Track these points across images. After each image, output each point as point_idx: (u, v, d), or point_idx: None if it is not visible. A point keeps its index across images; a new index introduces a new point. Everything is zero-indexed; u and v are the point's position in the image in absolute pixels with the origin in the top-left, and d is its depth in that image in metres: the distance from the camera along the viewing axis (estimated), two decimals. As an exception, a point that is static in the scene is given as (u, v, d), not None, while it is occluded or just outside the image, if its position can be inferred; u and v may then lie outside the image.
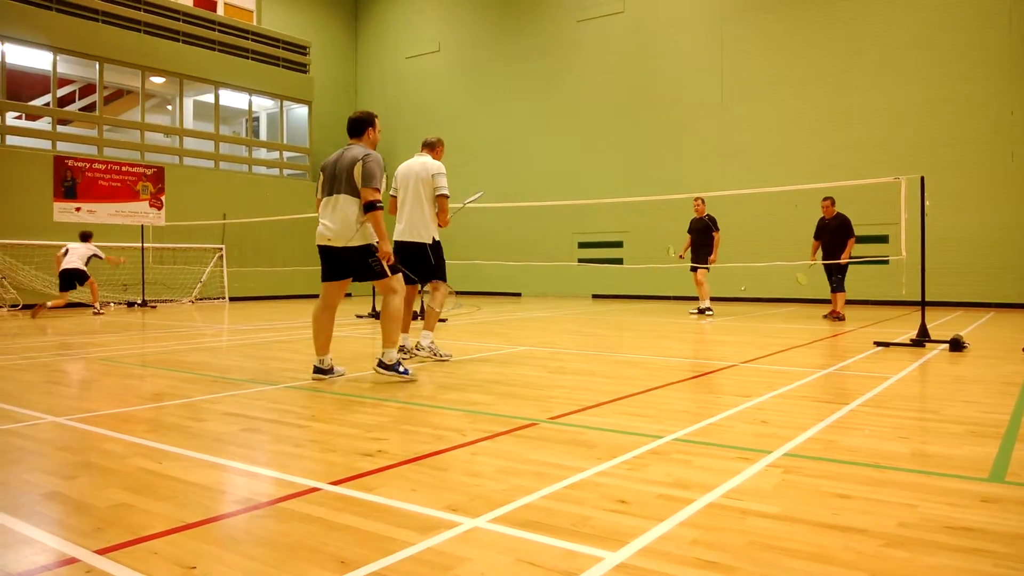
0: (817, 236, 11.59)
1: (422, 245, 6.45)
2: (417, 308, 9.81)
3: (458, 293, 7.53)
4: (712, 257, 12.56)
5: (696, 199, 12.88)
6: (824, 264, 11.31)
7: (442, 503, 2.60)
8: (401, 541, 2.24)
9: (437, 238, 6.55)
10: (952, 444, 3.45)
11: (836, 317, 11.08)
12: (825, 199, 11.47)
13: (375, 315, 12.01)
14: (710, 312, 12.72)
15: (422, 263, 6.47)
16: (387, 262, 5.36)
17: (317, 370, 5.56)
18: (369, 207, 5.20)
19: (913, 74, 15.25)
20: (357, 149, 5.36)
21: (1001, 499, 2.64)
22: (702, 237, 12.63)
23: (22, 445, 3.52)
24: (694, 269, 12.78)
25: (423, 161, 6.50)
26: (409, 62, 23.66)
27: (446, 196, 6.43)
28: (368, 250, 5.29)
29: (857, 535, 2.29)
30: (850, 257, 11.06)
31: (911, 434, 3.67)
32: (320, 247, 5.41)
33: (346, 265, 5.39)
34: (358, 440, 3.57)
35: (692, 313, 12.81)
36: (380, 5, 24.60)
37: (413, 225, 6.42)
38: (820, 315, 12.08)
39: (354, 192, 5.24)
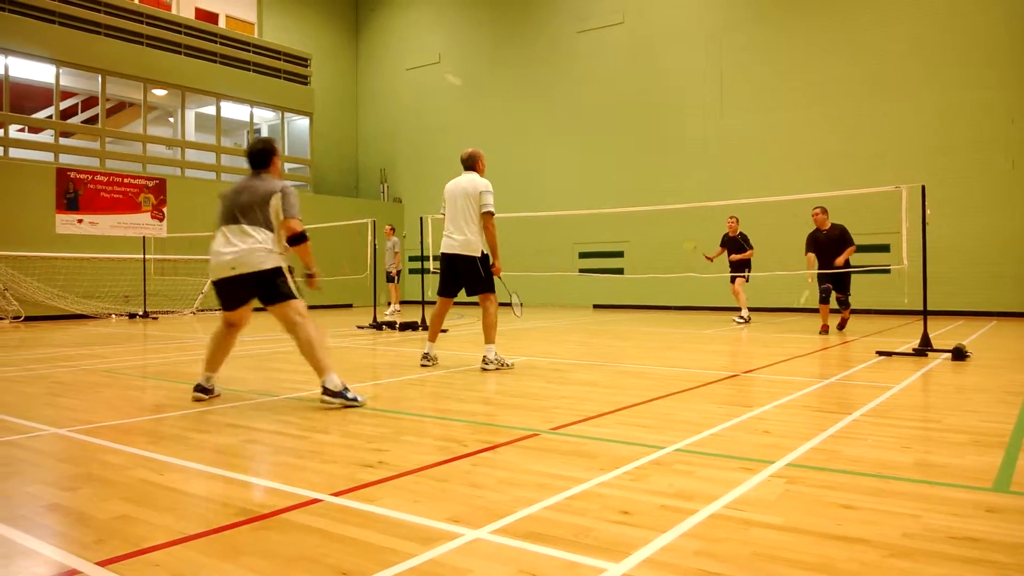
0: (812, 249, 10.93)
1: (472, 259, 6.59)
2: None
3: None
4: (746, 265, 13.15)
5: (730, 217, 13.29)
6: (824, 275, 10.86)
7: (444, 514, 2.59)
8: (403, 552, 2.23)
9: (486, 251, 6.71)
10: (955, 454, 3.44)
11: (840, 325, 11.04)
12: (816, 209, 10.95)
13: (376, 326, 12.01)
14: (741, 320, 13.25)
15: (472, 276, 6.63)
16: (313, 286, 5.12)
17: (201, 389, 5.16)
18: (299, 239, 4.97)
19: (913, 82, 15.30)
20: (272, 181, 5.06)
21: (1005, 509, 2.63)
22: (737, 253, 13.21)
23: (23, 457, 3.52)
24: (733, 279, 13.28)
25: (471, 178, 6.66)
26: (409, 73, 23.75)
27: (492, 214, 6.57)
28: (279, 271, 4.94)
29: (861, 545, 2.28)
30: (849, 266, 10.80)
31: (914, 444, 3.66)
32: (222, 281, 4.99)
33: (253, 290, 5.01)
34: (359, 451, 3.56)
35: (736, 321, 13.17)
36: (381, 17, 24.73)
37: (464, 239, 6.56)
38: (820, 326, 12.00)
39: (267, 223, 4.92)
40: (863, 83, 15.83)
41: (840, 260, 10.63)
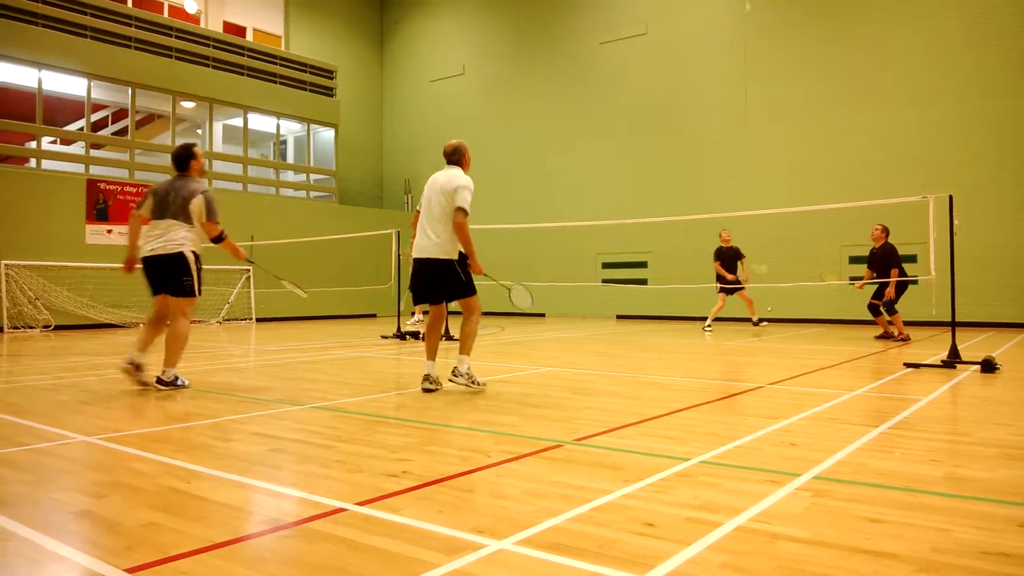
0: (869, 265, 11.59)
1: (448, 262, 5.82)
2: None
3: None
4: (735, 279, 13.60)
5: (723, 230, 13.86)
6: (873, 292, 11.41)
7: (468, 525, 2.59)
8: (428, 563, 2.24)
9: (463, 251, 5.91)
10: (986, 467, 3.39)
11: (901, 338, 11.01)
12: (876, 227, 11.47)
13: (400, 336, 12.06)
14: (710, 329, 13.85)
15: (450, 281, 5.85)
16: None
17: (136, 366, 6.01)
18: (218, 239, 6.26)
19: (939, 92, 15.13)
20: (194, 183, 6.15)
21: (1038, 524, 2.58)
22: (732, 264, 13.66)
23: (54, 464, 3.57)
24: (732, 292, 13.67)
25: (451, 173, 5.90)
26: (434, 85, 23.92)
27: (464, 211, 5.72)
28: (184, 267, 6.02)
29: (889, 560, 2.25)
30: (897, 276, 10.93)
31: (943, 457, 3.61)
32: (146, 259, 6.05)
33: (164, 278, 6.05)
34: (384, 461, 3.58)
35: (707, 330, 13.78)
36: (405, 29, 24.95)
37: (439, 242, 5.79)
38: (850, 335, 11.93)
39: (187, 220, 6.05)
40: (889, 92, 15.68)
41: (888, 292, 10.93)
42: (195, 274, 6.09)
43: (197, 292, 6.14)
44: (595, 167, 20.11)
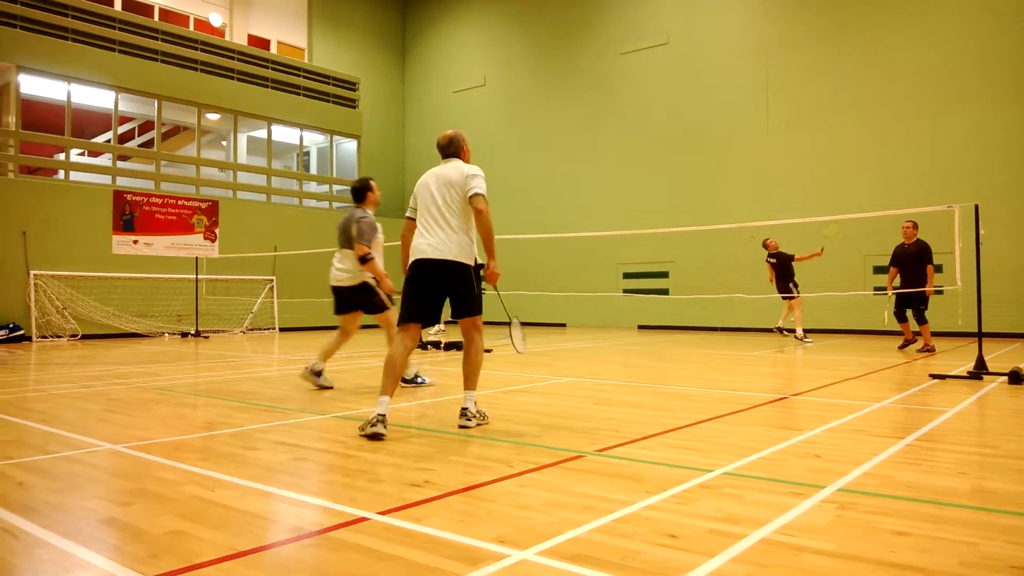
0: (895, 263, 11.12)
1: (463, 267, 4.76)
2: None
3: (500, 324, 7.15)
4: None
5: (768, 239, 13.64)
6: (902, 294, 10.91)
7: (490, 535, 2.59)
8: (450, 572, 2.24)
9: (480, 259, 4.94)
10: (1014, 480, 3.33)
11: (927, 349, 10.77)
12: (907, 223, 11.01)
13: (422, 346, 12.11)
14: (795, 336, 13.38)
15: (465, 291, 4.78)
16: (389, 293, 6.71)
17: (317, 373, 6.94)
18: (363, 260, 6.48)
19: (962, 101, 14.96)
20: (356, 212, 6.75)
21: (1070, 539, 2.54)
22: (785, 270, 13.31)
23: (81, 472, 3.62)
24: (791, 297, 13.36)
25: (455, 165, 4.93)
26: (455, 96, 24.05)
27: (484, 196, 4.75)
28: (370, 290, 6.72)
29: (917, 574, 2.22)
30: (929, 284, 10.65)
31: (970, 469, 3.55)
32: (332, 288, 6.95)
33: (351, 301, 6.86)
34: (406, 470, 3.59)
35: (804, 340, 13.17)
36: (427, 41, 25.13)
37: (457, 240, 4.74)
38: (875, 346, 11.77)
39: (351, 246, 6.62)
40: (912, 100, 15.53)
41: (928, 288, 10.50)
42: (380, 292, 6.74)
43: (388, 304, 6.75)
44: (616, 177, 20.09)
